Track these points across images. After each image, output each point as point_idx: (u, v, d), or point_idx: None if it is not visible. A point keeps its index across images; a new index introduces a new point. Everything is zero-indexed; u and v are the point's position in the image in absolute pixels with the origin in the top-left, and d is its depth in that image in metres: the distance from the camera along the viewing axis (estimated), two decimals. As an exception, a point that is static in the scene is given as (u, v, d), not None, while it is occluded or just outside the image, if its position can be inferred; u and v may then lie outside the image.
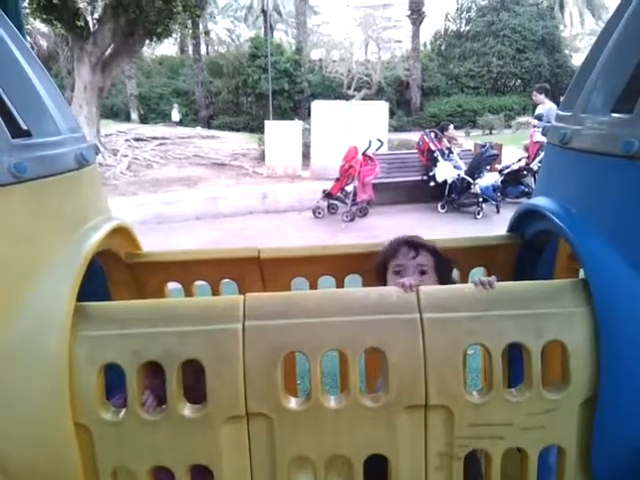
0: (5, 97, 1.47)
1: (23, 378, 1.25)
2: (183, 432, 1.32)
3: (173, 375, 1.30)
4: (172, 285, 2.01)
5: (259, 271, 1.95)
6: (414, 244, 1.76)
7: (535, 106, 8.80)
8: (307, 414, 1.34)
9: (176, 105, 24.29)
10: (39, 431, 1.27)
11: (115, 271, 1.87)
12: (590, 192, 1.47)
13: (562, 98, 1.82)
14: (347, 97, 20.08)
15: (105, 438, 1.32)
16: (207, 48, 31.63)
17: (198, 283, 2.01)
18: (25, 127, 1.47)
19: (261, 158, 12.02)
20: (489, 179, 8.23)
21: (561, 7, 32.20)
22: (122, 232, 1.80)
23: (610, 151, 1.36)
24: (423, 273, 1.71)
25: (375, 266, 1.82)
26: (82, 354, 1.29)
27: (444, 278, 1.74)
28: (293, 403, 1.35)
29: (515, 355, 1.42)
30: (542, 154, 5.82)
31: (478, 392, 1.36)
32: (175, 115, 23.65)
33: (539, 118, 7.96)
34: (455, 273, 1.94)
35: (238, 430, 1.34)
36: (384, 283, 1.76)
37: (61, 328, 1.26)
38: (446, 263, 1.77)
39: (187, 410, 1.32)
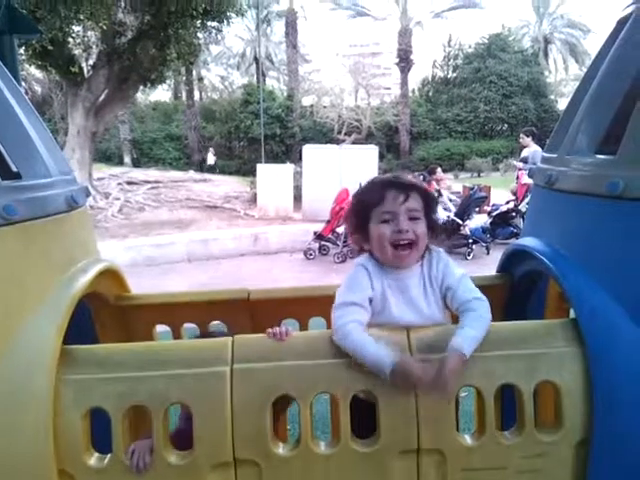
0: (-3, 140, 1.48)
1: (7, 422, 1.22)
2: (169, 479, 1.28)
3: (160, 419, 1.27)
4: (161, 328, 1.99)
5: (249, 313, 1.93)
6: (403, 185, 1.47)
7: (521, 149, 8.96)
8: (296, 460, 1.30)
9: (211, 149, 24.44)
10: (23, 478, 1.23)
11: (103, 313, 1.84)
12: (577, 232, 1.48)
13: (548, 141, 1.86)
14: (338, 141, 20.35)
15: (88, 486, 1.28)
16: (200, 94, 32.19)
17: (187, 325, 1.99)
18: (15, 170, 1.48)
19: (253, 201, 12.09)
20: (478, 221, 8.29)
21: (545, 54, 33.30)
22: (110, 274, 1.78)
23: (595, 191, 1.38)
24: (414, 219, 1.46)
25: (351, 216, 1.56)
26: (67, 398, 1.26)
27: (431, 220, 1.50)
28: (282, 449, 1.32)
29: (508, 396, 1.40)
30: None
31: (471, 435, 1.34)
32: (210, 158, 23.76)
33: (525, 161, 8.10)
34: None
35: (225, 477, 1.30)
36: (366, 236, 1.49)
37: (46, 371, 1.24)
38: (432, 201, 1.53)
39: (174, 456, 1.29)
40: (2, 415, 1.22)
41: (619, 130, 1.38)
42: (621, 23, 1.54)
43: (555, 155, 1.64)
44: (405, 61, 26.34)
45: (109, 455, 1.28)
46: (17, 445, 1.21)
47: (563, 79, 33.90)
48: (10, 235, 1.30)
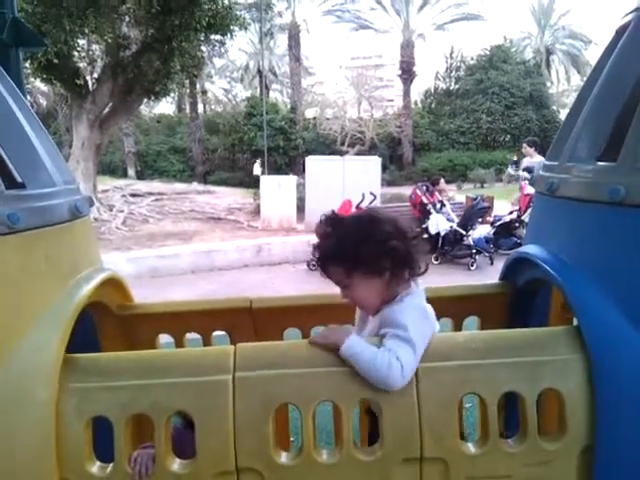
0: (2, 151, 1.49)
1: (9, 430, 1.21)
2: (171, 488, 1.28)
3: (162, 428, 1.26)
4: (164, 338, 1.99)
5: (251, 322, 1.93)
6: (319, 262, 1.48)
7: (517, 160, 8.96)
8: (299, 469, 1.30)
9: (258, 160, 24.60)
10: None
11: (105, 322, 1.84)
12: (579, 239, 1.48)
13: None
14: (341, 153, 20.39)
15: (90, 495, 1.27)
16: (204, 107, 32.35)
17: (190, 336, 1.99)
18: (20, 180, 1.49)
19: (256, 212, 12.10)
20: (481, 231, 8.29)
21: (547, 65, 33.41)
22: (113, 283, 1.79)
23: (597, 198, 1.38)
24: (345, 287, 1.45)
25: None
26: (70, 406, 1.26)
27: (370, 270, 1.40)
28: (284, 458, 1.31)
29: (511, 404, 1.40)
30: (533, 206, 5.86)
31: (474, 443, 1.33)
32: (257, 169, 23.94)
33: (530, 171, 8.09)
34: (448, 320, 1.93)
35: (228, 486, 1.29)
36: None
37: (49, 379, 1.24)
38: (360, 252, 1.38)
39: (176, 465, 1.28)
40: (4, 423, 1.21)
41: (620, 138, 1.38)
42: (620, 31, 1.55)
43: (556, 163, 1.65)
44: (407, 73, 26.46)
45: (111, 464, 1.28)
46: (19, 453, 1.21)
47: (565, 90, 33.95)
48: (14, 243, 1.30)
